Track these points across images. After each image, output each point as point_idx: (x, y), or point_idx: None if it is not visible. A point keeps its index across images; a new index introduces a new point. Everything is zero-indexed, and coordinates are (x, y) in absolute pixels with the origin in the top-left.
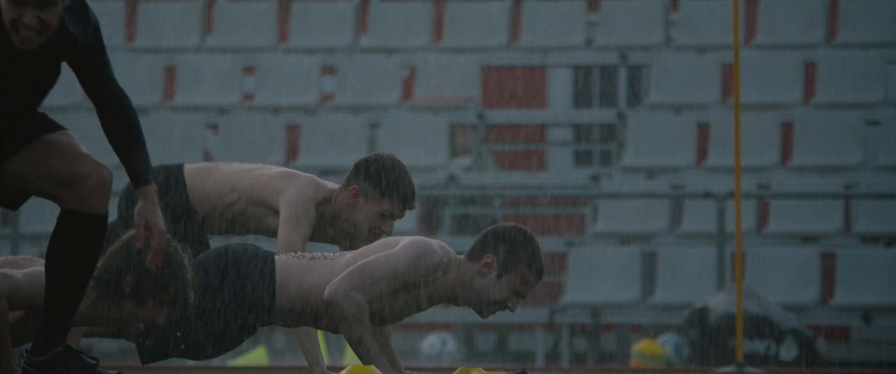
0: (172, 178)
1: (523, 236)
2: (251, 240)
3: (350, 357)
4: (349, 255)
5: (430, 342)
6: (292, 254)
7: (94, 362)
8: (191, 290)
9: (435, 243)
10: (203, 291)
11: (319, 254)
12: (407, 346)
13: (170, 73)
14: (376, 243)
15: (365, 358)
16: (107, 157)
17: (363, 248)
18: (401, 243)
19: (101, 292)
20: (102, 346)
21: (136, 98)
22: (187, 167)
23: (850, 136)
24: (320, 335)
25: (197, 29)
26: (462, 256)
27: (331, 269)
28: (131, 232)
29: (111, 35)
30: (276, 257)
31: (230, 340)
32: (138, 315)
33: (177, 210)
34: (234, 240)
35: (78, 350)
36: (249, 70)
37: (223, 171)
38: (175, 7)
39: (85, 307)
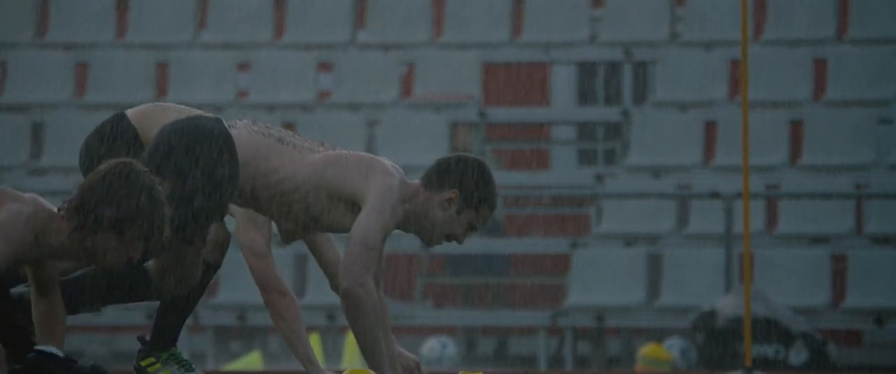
0: (118, 127)
1: (485, 172)
2: None
3: (348, 360)
4: (320, 155)
5: (431, 346)
6: (254, 128)
7: (72, 362)
8: (166, 226)
9: (396, 175)
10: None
11: (287, 135)
12: (406, 349)
13: (162, 69)
14: (339, 163)
15: (372, 351)
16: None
17: (332, 163)
18: (371, 191)
19: (79, 221)
20: (93, 349)
21: (128, 96)
22: (130, 112)
23: (862, 134)
24: (317, 338)
25: (190, 24)
26: (418, 182)
27: (300, 159)
28: (111, 162)
29: (101, 31)
30: (234, 132)
31: (203, 222)
32: (115, 247)
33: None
34: None
35: (50, 352)
36: (244, 67)
37: (171, 113)
38: (167, 1)
39: (59, 239)
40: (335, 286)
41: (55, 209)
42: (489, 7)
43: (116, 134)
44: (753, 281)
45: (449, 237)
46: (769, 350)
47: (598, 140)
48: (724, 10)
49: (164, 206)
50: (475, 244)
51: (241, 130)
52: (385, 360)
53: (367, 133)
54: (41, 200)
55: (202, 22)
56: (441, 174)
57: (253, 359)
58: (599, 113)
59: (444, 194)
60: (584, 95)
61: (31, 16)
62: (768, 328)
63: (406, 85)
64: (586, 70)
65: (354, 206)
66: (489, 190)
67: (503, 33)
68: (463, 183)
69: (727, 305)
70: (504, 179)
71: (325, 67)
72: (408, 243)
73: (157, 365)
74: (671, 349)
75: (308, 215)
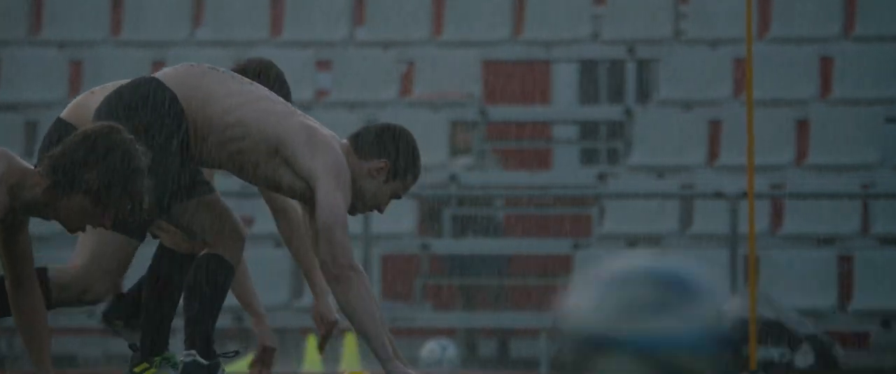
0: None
1: (413, 142)
2: None
3: (347, 363)
4: (266, 105)
5: (430, 348)
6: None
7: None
8: (147, 196)
9: (337, 147)
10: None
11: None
12: (406, 352)
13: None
14: (288, 131)
15: (376, 334)
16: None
17: (283, 128)
18: (324, 169)
19: (56, 181)
20: (87, 352)
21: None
22: (65, 115)
23: (869, 133)
24: (315, 340)
25: (186, 22)
26: (346, 143)
27: (239, 93)
28: (98, 124)
29: (96, 28)
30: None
31: (171, 177)
32: (88, 213)
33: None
34: None
35: None
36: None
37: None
38: None
39: (33, 193)
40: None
41: (31, 167)
42: (490, 4)
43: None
44: (758, 283)
45: (373, 208)
46: (775, 353)
47: (600, 139)
48: (728, 7)
49: (145, 175)
50: (475, 245)
51: (182, 74)
52: (389, 344)
53: None
54: (11, 154)
55: (198, 19)
56: (371, 143)
57: (250, 361)
58: (602, 112)
59: (374, 163)
60: (587, 94)
61: (24, 13)
62: (774, 331)
63: (405, 83)
64: (589, 68)
65: (295, 170)
66: (416, 161)
67: (504, 31)
68: (393, 154)
69: (732, 307)
70: (505, 178)
71: (323, 65)
72: (407, 243)
73: (152, 370)
74: None
75: (249, 165)
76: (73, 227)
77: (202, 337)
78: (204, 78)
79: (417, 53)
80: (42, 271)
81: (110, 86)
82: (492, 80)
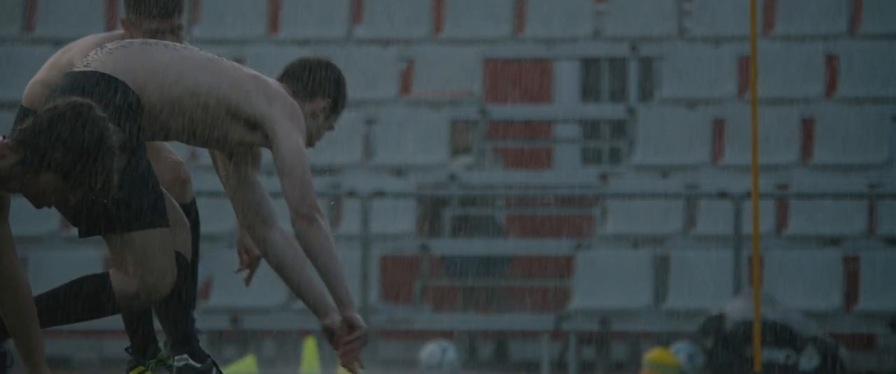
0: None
1: (342, 76)
2: None
3: None
4: (212, 65)
5: (430, 351)
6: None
7: None
8: (116, 175)
9: (281, 87)
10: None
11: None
12: (405, 354)
13: None
14: (239, 85)
15: (339, 277)
16: None
17: (232, 83)
18: (281, 117)
19: (25, 158)
20: (82, 355)
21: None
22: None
23: (875, 132)
24: (312, 342)
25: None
26: (283, 85)
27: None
28: (70, 101)
29: (89, 25)
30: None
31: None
32: (57, 189)
33: None
34: None
35: None
36: (238, 62)
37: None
38: None
39: (2, 165)
40: (257, 230)
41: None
42: (490, 1)
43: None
44: (763, 284)
45: (310, 146)
46: (779, 355)
47: (602, 138)
48: (732, 4)
49: (116, 153)
50: (476, 246)
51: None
52: (348, 288)
53: (365, 131)
54: None
55: (195, 17)
56: (310, 83)
57: (247, 364)
58: (604, 110)
59: (317, 103)
60: (589, 92)
61: (18, 10)
62: (778, 333)
63: (405, 82)
64: (591, 66)
65: (253, 124)
66: (346, 92)
67: (505, 28)
68: (332, 91)
69: (736, 308)
70: (506, 178)
71: None
72: (406, 244)
73: (148, 373)
74: (678, 353)
75: (203, 128)
76: (41, 203)
77: (187, 338)
78: (145, 54)
79: (417, 51)
80: (104, 278)
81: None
82: (492, 78)
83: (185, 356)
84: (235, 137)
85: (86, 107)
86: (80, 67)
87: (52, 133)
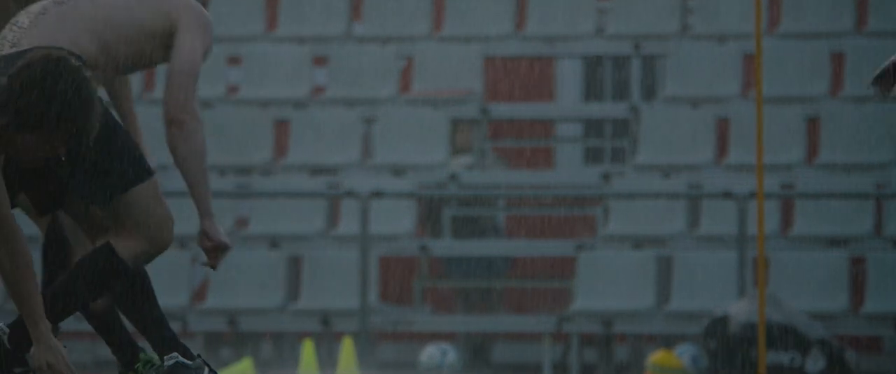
0: None
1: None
2: None
3: (344, 366)
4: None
5: (430, 353)
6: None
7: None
8: (97, 119)
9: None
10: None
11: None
12: (404, 357)
13: None
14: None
15: (205, 184)
16: None
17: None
18: (185, 17)
19: (10, 121)
20: (76, 357)
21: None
22: None
23: (881, 131)
24: (311, 344)
25: None
26: None
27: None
28: (40, 53)
29: None
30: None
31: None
32: (46, 144)
33: None
34: None
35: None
36: (235, 61)
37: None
38: None
39: None
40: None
41: None
42: None
43: None
44: (768, 285)
45: None
46: (784, 358)
47: (605, 137)
48: (736, 1)
49: (98, 98)
50: (476, 246)
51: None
52: (210, 199)
53: (364, 130)
54: None
55: None
56: None
57: (244, 366)
58: (606, 109)
59: None
60: (591, 91)
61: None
62: (783, 335)
63: (404, 80)
64: (593, 64)
65: (163, 37)
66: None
67: (506, 26)
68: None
69: (740, 310)
70: (507, 178)
71: (319, 61)
72: (406, 245)
73: None
74: (682, 356)
75: (130, 60)
76: (31, 161)
77: (169, 338)
78: (76, 13)
79: (417, 49)
80: (108, 249)
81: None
82: (493, 76)
83: (175, 354)
84: (158, 57)
85: (60, 58)
86: (7, 50)
87: (32, 91)
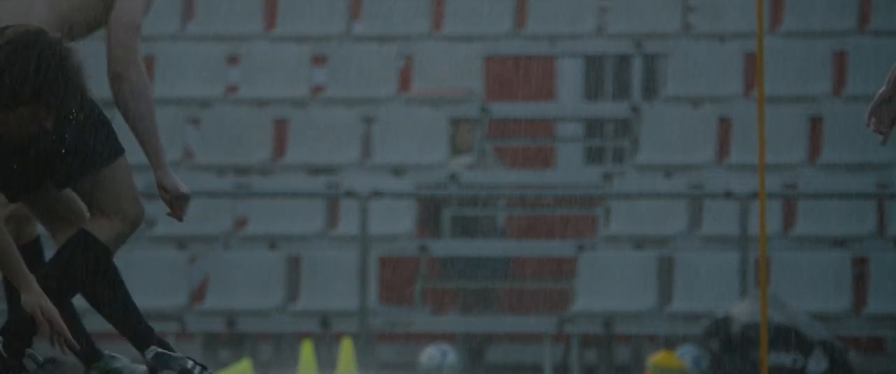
0: None
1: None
2: None
3: (343, 367)
4: None
5: (430, 354)
6: None
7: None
8: (87, 86)
9: None
10: None
11: None
12: (404, 358)
13: (148, 63)
14: None
15: (154, 138)
16: None
17: None
18: None
19: None
20: (73, 358)
21: (110, 90)
22: None
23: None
24: (310, 345)
25: (176, 15)
26: None
27: None
28: (15, 31)
29: None
30: None
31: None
32: (34, 119)
33: None
34: None
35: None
36: (233, 60)
37: None
38: None
39: None
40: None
41: None
42: None
43: None
44: (770, 286)
45: None
46: (787, 359)
47: (606, 137)
48: (738, 0)
49: (81, 68)
50: (476, 247)
51: None
52: (163, 151)
53: (364, 130)
54: None
55: (189, 13)
56: None
57: (243, 368)
58: (607, 109)
59: None
60: (592, 90)
61: None
62: (786, 336)
63: (404, 79)
64: (594, 63)
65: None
66: None
67: (506, 25)
68: None
69: (742, 311)
70: (507, 178)
71: (318, 60)
72: (405, 245)
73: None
74: (683, 357)
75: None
76: (20, 137)
77: (149, 331)
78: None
79: (417, 48)
80: (84, 236)
81: None
82: (493, 76)
83: (154, 347)
84: (104, 19)
85: (37, 33)
86: None
87: (14, 69)
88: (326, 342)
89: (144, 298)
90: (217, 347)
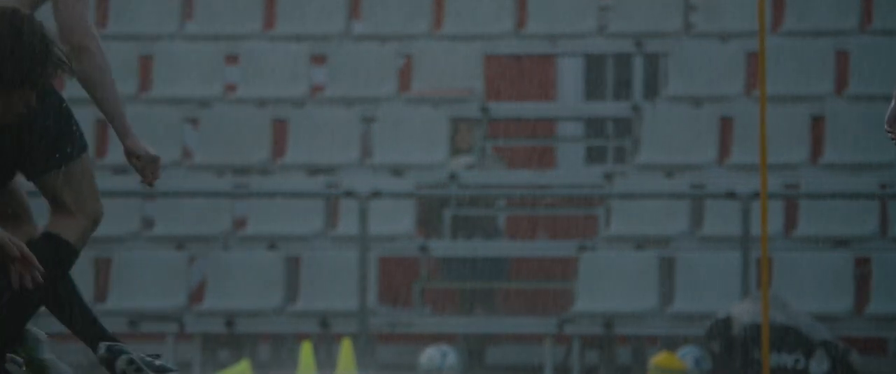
0: None
1: None
2: None
3: (343, 368)
4: None
5: (430, 355)
6: None
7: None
8: (63, 66)
9: None
10: None
11: None
12: (403, 358)
13: (146, 62)
14: None
15: (117, 104)
16: None
17: None
18: None
19: None
20: (71, 359)
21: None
22: None
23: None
24: (309, 346)
25: (175, 14)
26: None
27: None
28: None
29: None
30: None
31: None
32: (20, 98)
33: None
34: None
35: None
36: (233, 59)
37: None
38: None
39: None
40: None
41: None
42: None
43: None
44: (772, 286)
45: None
46: (788, 360)
47: (606, 137)
48: None
49: (55, 44)
50: (476, 247)
51: None
52: (127, 118)
53: (363, 129)
54: None
55: (188, 12)
56: None
57: (242, 368)
58: (608, 108)
59: None
60: (593, 90)
61: None
62: (787, 336)
63: (404, 79)
64: (594, 63)
65: None
66: None
67: (506, 24)
68: None
69: (744, 311)
70: (507, 178)
71: (318, 59)
72: (405, 245)
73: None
74: (685, 357)
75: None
76: (6, 118)
77: (100, 331)
78: None
79: (416, 48)
80: (53, 237)
81: None
82: (494, 75)
83: (105, 342)
84: None
85: (13, 12)
86: None
87: (3, 55)
88: (326, 343)
89: (143, 298)
90: (216, 347)
